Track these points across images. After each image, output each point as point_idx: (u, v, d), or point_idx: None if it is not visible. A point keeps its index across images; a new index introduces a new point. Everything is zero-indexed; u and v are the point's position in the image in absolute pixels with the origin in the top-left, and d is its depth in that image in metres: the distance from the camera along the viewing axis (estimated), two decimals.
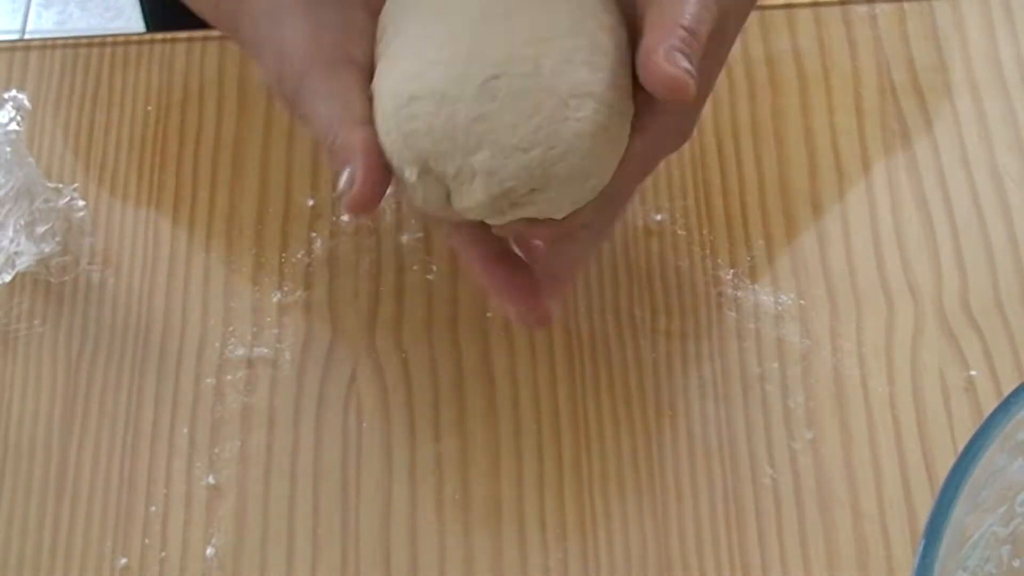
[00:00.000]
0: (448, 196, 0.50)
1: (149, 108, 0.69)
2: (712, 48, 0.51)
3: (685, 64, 0.48)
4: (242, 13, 0.54)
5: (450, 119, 0.48)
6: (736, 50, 0.69)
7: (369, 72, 0.52)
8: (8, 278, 0.63)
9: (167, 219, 0.66)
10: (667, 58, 0.48)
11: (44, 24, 1.78)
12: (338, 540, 0.58)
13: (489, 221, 0.51)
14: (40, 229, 0.64)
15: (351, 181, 0.49)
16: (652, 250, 0.64)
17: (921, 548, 0.43)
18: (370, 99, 0.51)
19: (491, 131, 0.48)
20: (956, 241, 0.64)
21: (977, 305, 0.62)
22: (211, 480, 0.59)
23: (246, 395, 0.61)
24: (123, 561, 0.58)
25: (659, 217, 0.65)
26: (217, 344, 0.63)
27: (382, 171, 0.49)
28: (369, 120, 0.50)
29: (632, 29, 0.52)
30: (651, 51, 0.48)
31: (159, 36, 0.72)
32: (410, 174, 0.50)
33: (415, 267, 0.64)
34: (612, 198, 0.54)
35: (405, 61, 0.50)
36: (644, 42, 0.49)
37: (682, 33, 0.49)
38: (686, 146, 0.67)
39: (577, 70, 0.49)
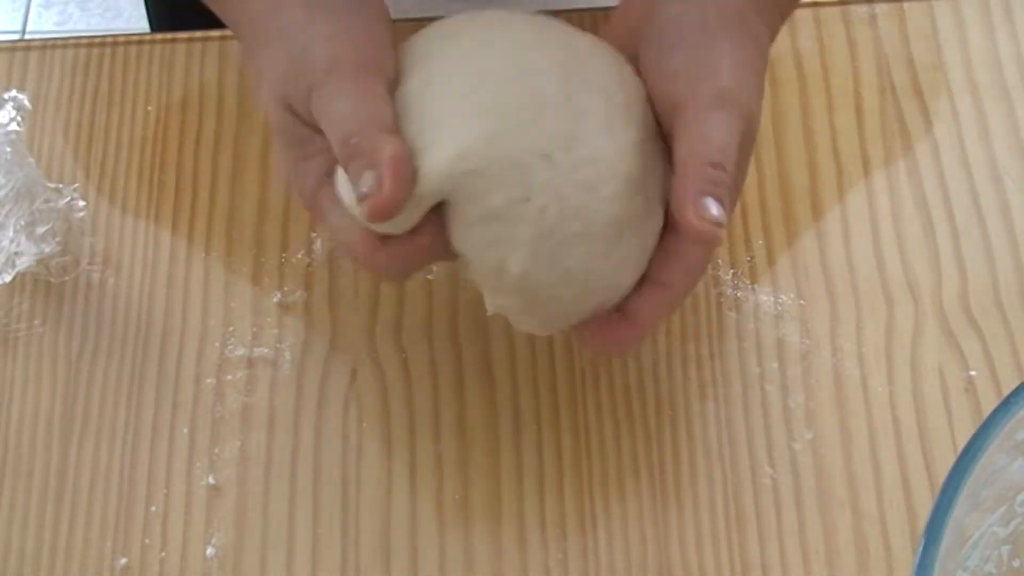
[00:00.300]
0: None
1: (149, 108, 0.69)
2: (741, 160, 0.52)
3: (714, 212, 0.49)
4: (270, 8, 0.54)
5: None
6: None
7: (392, 85, 0.53)
8: (8, 278, 0.63)
9: (167, 219, 0.66)
10: (696, 212, 0.49)
11: (44, 24, 1.78)
12: (338, 540, 0.58)
13: None
14: (40, 229, 0.64)
15: (379, 186, 0.49)
16: None
17: (921, 548, 0.43)
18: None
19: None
20: (956, 241, 0.64)
21: (977, 305, 0.62)
22: (211, 480, 0.59)
23: (246, 395, 0.61)
24: (123, 561, 0.58)
25: None
26: (217, 344, 0.63)
27: (409, 182, 0.50)
28: (396, 129, 0.51)
29: (666, 137, 0.53)
30: (682, 204, 0.50)
31: (159, 36, 0.72)
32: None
33: None
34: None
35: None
36: (675, 188, 0.50)
37: (710, 172, 0.50)
38: None
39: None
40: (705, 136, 0.51)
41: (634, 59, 0.55)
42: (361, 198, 0.49)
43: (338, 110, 0.51)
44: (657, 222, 0.53)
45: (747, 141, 0.53)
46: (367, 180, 0.49)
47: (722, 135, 0.51)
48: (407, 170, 0.49)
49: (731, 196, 0.51)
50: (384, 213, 0.49)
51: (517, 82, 0.51)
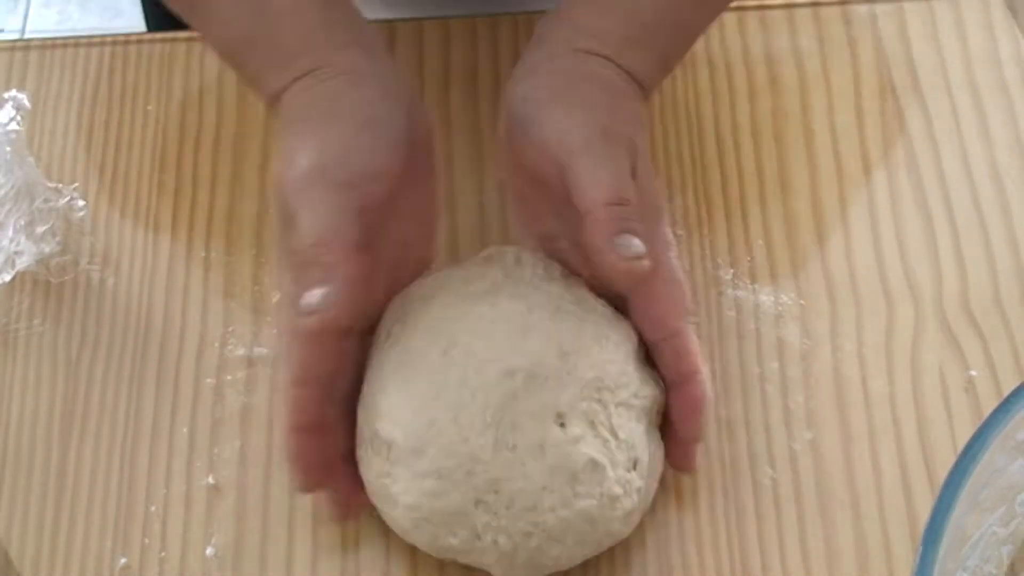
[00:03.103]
0: None
1: (149, 108, 0.69)
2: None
3: (633, 247, 0.51)
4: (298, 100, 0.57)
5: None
6: (736, 50, 0.69)
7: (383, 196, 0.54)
8: (8, 278, 0.63)
9: (167, 219, 0.66)
10: (618, 254, 0.51)
11: (44, 24, 1.78)
12: (338, 540, 0.58)
13: None
14: (40, 229, 0.64)
15: (328, 303, 0.51)
16: None
17: (921, 548, 0.43)
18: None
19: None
20: (956, 241, 0.64)
21: (977, 305, 0.62)
22: (211, 480, 0.59)
23: (246, 395, 0.61)
24: (123, 561, 0.58)
25: None
26: (217, 344, 0.63)
27: (361, 302, 0.52)
28: (357, 247, 0.52)
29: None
30: (599, 253, 0.51)
31: (159, 36, 0.72)
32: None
33: None
34: None
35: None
36: (587, 239, 0.51)
37: (614, 211, 0.51)
38: (686, 145, 0.67)
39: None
40: (596, 179, 0.51)
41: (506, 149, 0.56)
42: (310, 310, 0.51)
43: (312, 213, 0.52)
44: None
45: (642, 167, 0.54)
46: (321, 293, 0.51)
47: (612, 170, 0.52)
48: (363, 291, 0.52)
49: (643, 224, 0.52)
50: (330, 329, 0.52)
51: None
